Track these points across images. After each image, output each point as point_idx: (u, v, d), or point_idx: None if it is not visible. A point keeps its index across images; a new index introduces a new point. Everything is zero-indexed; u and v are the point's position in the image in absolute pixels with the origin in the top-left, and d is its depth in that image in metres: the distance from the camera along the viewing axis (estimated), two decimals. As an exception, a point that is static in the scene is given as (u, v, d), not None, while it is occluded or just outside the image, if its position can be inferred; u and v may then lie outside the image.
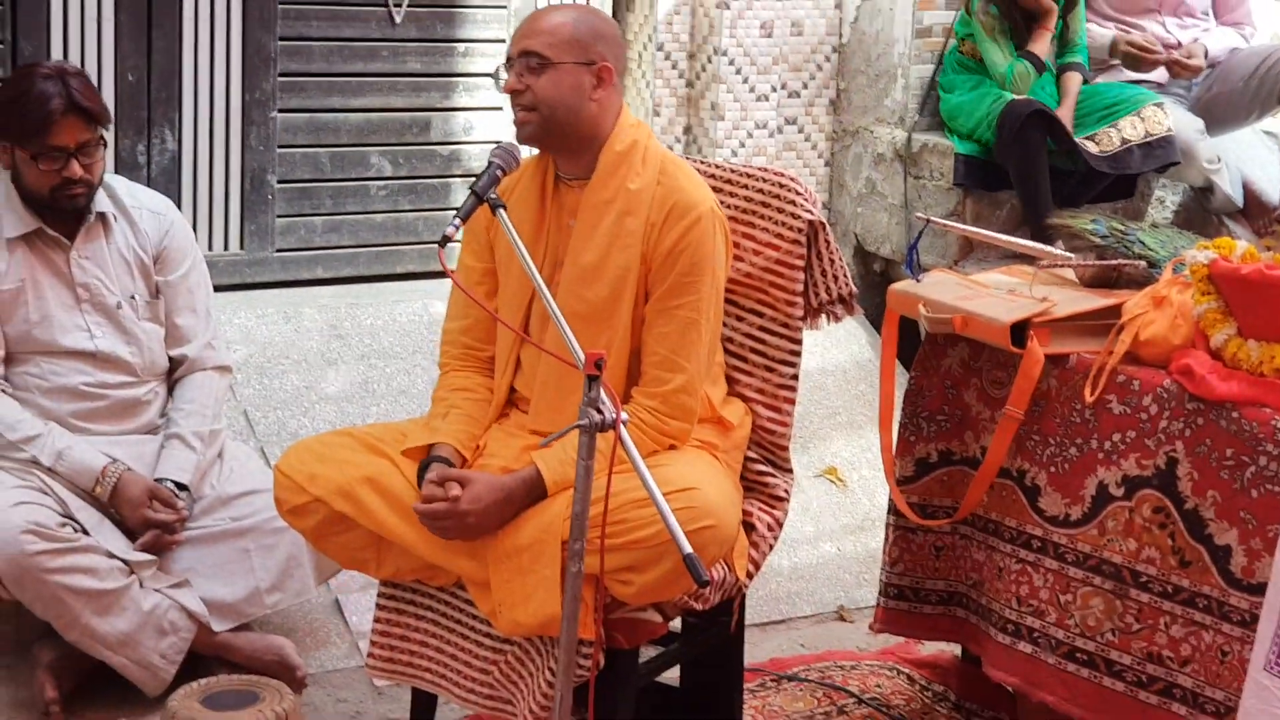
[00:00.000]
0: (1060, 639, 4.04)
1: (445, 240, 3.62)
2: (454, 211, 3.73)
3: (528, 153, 3.94)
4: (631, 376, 3.93)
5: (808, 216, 4.13)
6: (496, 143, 3.90)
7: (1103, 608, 3.97)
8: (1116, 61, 6.52)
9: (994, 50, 6.29)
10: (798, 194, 4.15)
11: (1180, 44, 6.61)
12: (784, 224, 4.14)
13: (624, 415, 3.25)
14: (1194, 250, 3.94)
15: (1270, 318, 3.75)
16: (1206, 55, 6.58)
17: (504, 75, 3.93)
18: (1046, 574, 4.07)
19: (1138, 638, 3.92)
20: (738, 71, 6.54)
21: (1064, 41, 6.39)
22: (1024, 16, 6.26)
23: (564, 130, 3.91)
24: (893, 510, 4.41)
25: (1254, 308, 3.77)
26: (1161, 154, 6.17)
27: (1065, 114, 6.16)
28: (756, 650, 4.92)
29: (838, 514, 5.71)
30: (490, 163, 3.78)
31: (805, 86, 6.75)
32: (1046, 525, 4.08)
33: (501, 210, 3.69)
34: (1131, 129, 6.14)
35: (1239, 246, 3.87)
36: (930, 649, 4.85)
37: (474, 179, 3.76)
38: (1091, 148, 6.12)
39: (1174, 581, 3.85)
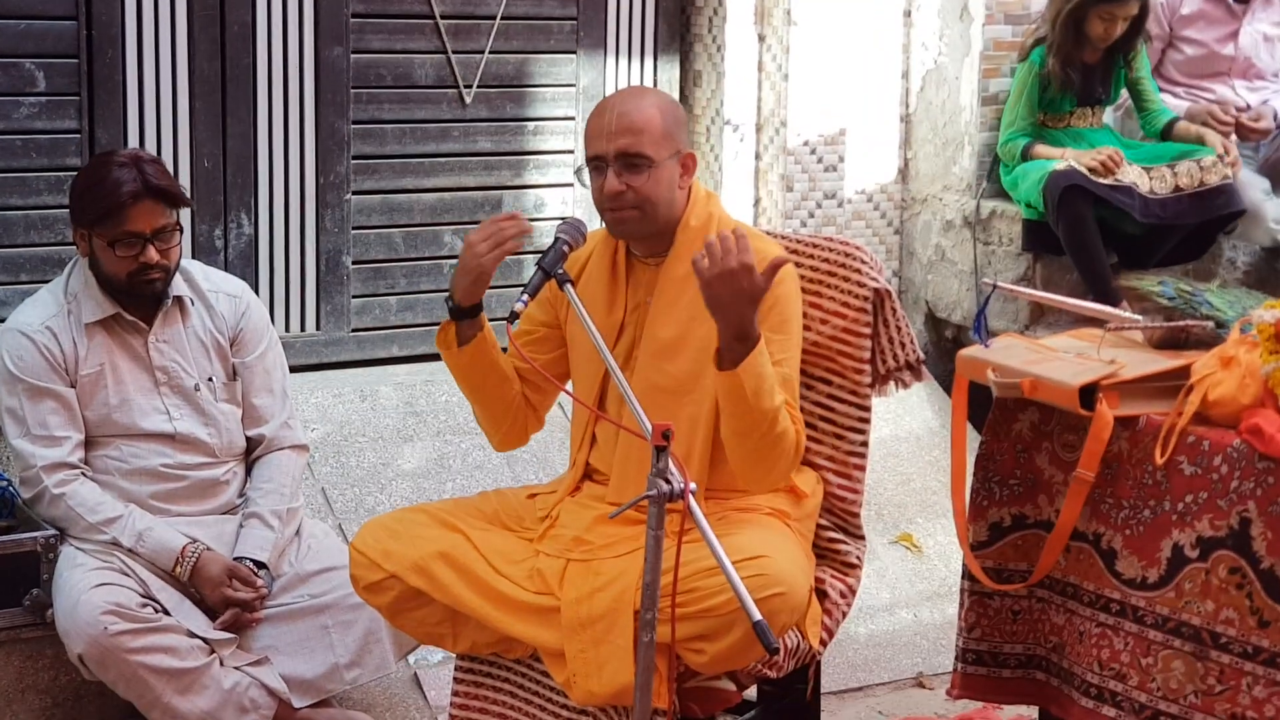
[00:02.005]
0: (1143, 702, 4.01)
1: (514, 316, 3.67)
2: (522, 287, 3.78)
3: (594, 228, 3.98)
4: (716, 446, 3.94)
5: (873, 284, 4.15)
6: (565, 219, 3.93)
7: (1184, 670, 3.93)
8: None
9: (1012, 109, 6.31)
10: (863, 262, 4.17)
11: (1249, 106, 6.62)
12: (850, 292, 4.16)
13: (692, 485, 3.27)
14: (1261, 310, 3.93)
15: (1339, 375, 3.74)
16: (1276, 117, 6.59)
17: (586, 173, 3.94)
18: (1127, 637, 4.05)
19: (1221, 699, 3.87)
20: (805, 143, 6.57)
21: (1147, 108, 6.40)
22: (1084, 80, 6.27)
23: (659, 222, 3.95)
24: (967, 575, 4.39)
25: (1322, 365, 3.77)
26: (1219, 203, 6.12)
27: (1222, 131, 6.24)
28: (835, 718, 4.92)
29: (914, 581, 5.70)
30: (557, 239, 3.82)
31: (873, 156, 6.77)
32: (1124, 588, 4.06)
33: (569, 285, 3.74)
34: (1188, 176, 6.12)
35: (1306, 304, 3.87)
36: (1009, 713, 4.83)
37: (541, 255, 3.80)
38: (1143, 186, 6.10)
39: (1254, 642, 3.81)
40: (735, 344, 3.67)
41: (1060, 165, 6.09)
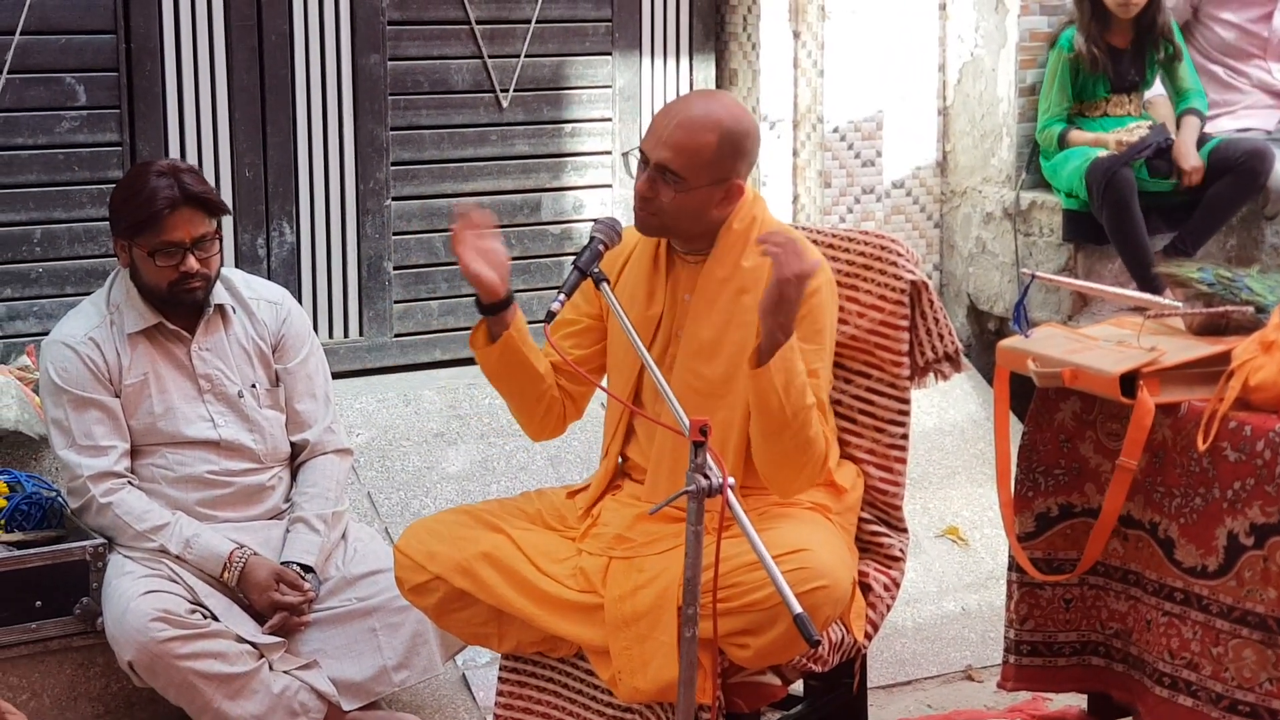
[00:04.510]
0: (1220, 692, 3.97)
1: (550, 316, 3.68)
2: (558, 288, 3.79)
3: (630, 224, 3.99)
4: (749, 451, 3.93)
5: (910, 277, 4.15)
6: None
7: (1255, 659, 3.90)
8: None
9: (1047, 96, 6.30)
10: (899, 255, 4.18)
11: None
12: (887, 285, 4.16)
13: (730, 480, 3.27)
14: (1301, 293, 3.93)
15: (1379, 357, 3.73)
16: None
17: (633, 161, 3.96)
18: (1195, 626, 4.02)
19: (1296, 685, 3.87)
20: (842, 138, 6.57)
21: (1176, 91, 6.38)
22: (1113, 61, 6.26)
23: (684, 232, 3.97)
24: (1015, 567, 4.39)
25: (1363, 348, 3.75)
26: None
27: (1183, 149, 6.16)
28: (884, 712, 4.91)
29: (960, 573, 5.69)
30: (593, 238, 3.83)
31: (911, 150, 6.76)
32: (1186, 577, 4.03)
33: (605, 284, 3.75)
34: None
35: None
36: (1057, 704, 4.82)
37: (577, 255, 3.82)
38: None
39: (1320, 628, 3.80)
40: (778, 338, 3.67)
41: (1102, 153, 6.09)
